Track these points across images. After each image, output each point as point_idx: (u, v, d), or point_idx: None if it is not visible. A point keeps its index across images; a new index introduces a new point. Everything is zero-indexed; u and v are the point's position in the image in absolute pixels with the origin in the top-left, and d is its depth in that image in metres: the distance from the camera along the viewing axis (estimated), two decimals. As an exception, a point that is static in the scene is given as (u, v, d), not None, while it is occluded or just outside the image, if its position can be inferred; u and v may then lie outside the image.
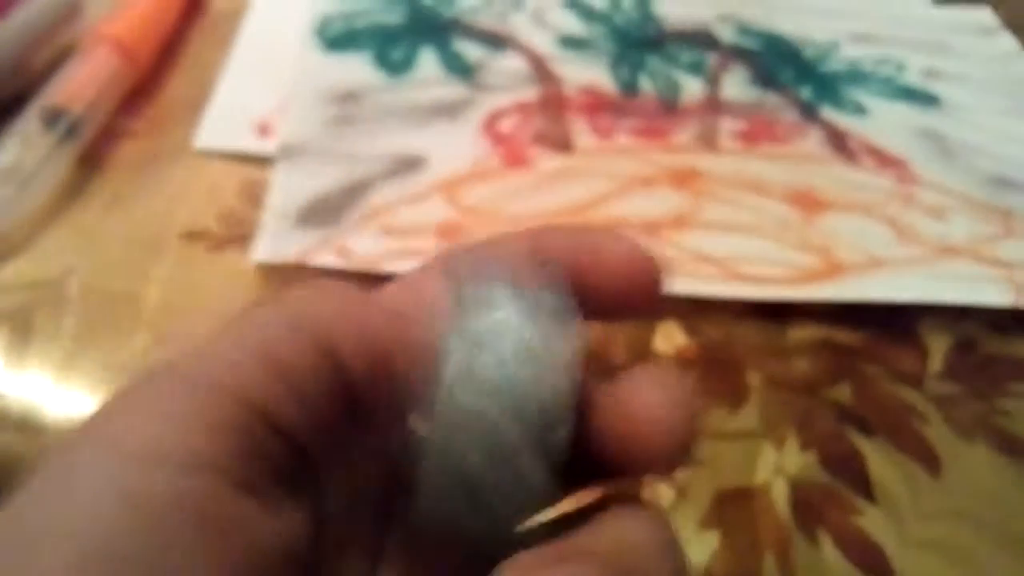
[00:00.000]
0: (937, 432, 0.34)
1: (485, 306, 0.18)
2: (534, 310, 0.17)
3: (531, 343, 0.17)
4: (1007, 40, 0.55)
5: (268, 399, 0.15)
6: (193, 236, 0.39)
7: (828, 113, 0.48)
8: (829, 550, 0.30)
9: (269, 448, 0.15)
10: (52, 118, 0.41)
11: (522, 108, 0.47)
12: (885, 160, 0.45)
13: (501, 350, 0.17)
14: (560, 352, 0.17)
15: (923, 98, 0.50)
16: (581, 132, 0.45)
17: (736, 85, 0.50)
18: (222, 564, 0.14)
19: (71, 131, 0.41)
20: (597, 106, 0.47)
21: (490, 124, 0.45)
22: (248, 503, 0.15)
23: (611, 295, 0.20)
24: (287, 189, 0.40)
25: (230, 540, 0.14)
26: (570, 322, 0.18)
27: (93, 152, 0.42)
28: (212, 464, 0.14)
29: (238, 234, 0.39)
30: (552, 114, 0.46)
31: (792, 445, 0.33)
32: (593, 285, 0.19)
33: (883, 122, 0.48)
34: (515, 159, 0.43)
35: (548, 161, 0.43)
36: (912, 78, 0.52)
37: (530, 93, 0.48)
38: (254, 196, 0.41)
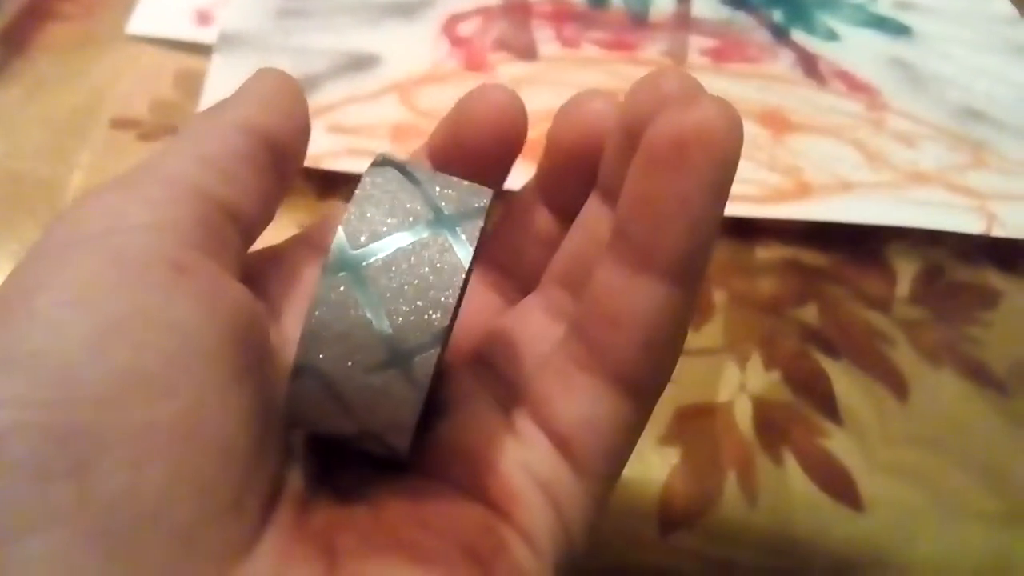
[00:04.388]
0: (904, 356, 0.32)
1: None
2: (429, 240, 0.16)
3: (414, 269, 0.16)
4: (979, -24, 0.54)
5: (207, 182, 0.18)
6: (123, 123, 0.36)
7: (799, 36, 0.46)
8: (794, 471, 0.29)
9: (214, 218, 0.18)
10: (-33, -10, 0.37)
11: (484, 12, 0.44)
12: (855, 85, 0.44)
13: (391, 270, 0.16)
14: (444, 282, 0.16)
15: (895, 27, 0.49)
16: (546, 40, 0.43)
17: (707, 3, 0.48)
18: (199, 308, 0.16)
19: (-11, 6, 0.37)
20: (564, 15, 0.45)
21: (449, 26, 0.43)
22: (209, 263, 0.17)
23: (486, 137, 0.21)
24: (225, 80, 0.37)
25: (202, 286, 0.16)
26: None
27: (16, 33, 0.39)
28: (175, 227, 0.16)
29: (171, 124, 0.36)
30: (516, 20, 0.44)
31: (756, 364, 0.32)
32: (469, 136, 0.21)
33: (854, 49, 0.46)
34: (475, 63, 0.41)
35: (510, 67, 0.41)
36: (884, 8, 0.50)
37: (492, -2, 0.45)
38: (190, 86, 0.37)
